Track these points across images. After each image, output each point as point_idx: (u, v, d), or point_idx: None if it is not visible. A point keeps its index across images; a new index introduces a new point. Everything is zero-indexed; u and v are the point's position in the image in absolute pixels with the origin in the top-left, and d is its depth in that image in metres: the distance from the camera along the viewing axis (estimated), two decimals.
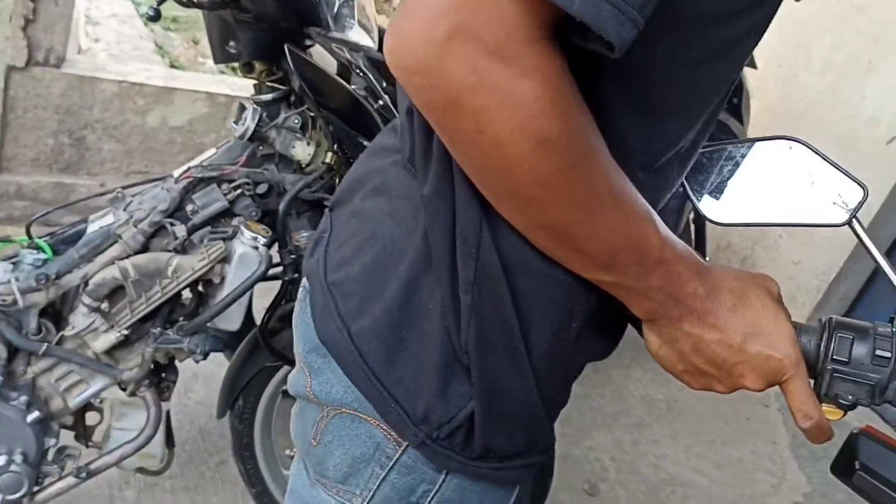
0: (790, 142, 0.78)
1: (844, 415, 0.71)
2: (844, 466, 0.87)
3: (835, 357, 0.69)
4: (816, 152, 0.77)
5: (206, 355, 1.49)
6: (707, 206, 0.81)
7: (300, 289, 0.83)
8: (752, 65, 2.55)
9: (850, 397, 0.69)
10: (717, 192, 0.81)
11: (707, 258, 2.97)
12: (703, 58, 0.65)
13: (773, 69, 3.07)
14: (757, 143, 0.80)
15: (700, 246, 2.75)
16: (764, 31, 0.70)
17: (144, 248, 1.41)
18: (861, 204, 0.75)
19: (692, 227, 2.73)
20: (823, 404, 0.71)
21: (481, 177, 0.62)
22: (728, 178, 0.80)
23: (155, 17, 1.13)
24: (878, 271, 2.80)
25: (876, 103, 2.73)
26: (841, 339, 0.70)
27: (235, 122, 1.47)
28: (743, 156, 0.80)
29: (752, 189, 0.79)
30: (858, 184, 0.75)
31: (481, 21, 0.52)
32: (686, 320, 0.69)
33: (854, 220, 0.75)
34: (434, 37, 0.53)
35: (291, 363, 1.61)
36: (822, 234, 2.89)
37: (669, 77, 0.66)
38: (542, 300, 0.70)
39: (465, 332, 0.69)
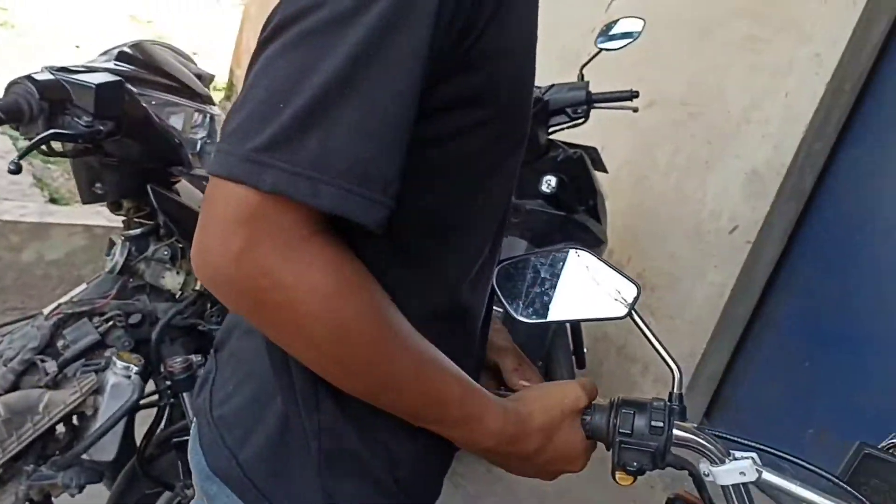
0: (576, 250, 0.92)
1: (634, 480, 0.83)
2: None
3: (620, 430, 0.81)
4: (598, 257, 0.91)
5: (81, 489, 1.49)
6: (517, 308, 0.93)
7: (192, 426, 0.91)
8: (603, 169, 2.79)
9: (635, 464, 0.81)
10: (524, 296, 0.93)
11: (585, 349, 3.14)
12: (475, 189, 0.78)
13: (625, 172, 3.35)
14: (552, 253, 0.94)
15: (577, 343, 2.91)
16: (511, 154, 0.80)
17: (15, 387, 1.43)
18: (636, 299, 0.89)
19: (568, 327, 2.89)
20: (617, 472, 0.83)
21: (293, 354, 0.70)
22: (532, 284, 0.93)
23: (16, 171, 1.20)
24: (738, 350, 3.00)
25: (716, 198, 3.02)
26: (624, 414, 0.82)
27: (108, 256, 1.54)
28: (542, 264, 0.93)
29: (551, 291, 0.93)
30: (633, 282, 0.89)
31: (263, 230, 0.62)
32: (491, 455, 0.81)
33: (633, 311, 0.89)
34: (228, 250, 0.62)
35: (171, 488, 1.63)
36: (685, 320, 3.11)
37: (453, 214, 0.77)
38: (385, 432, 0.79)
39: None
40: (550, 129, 2.66)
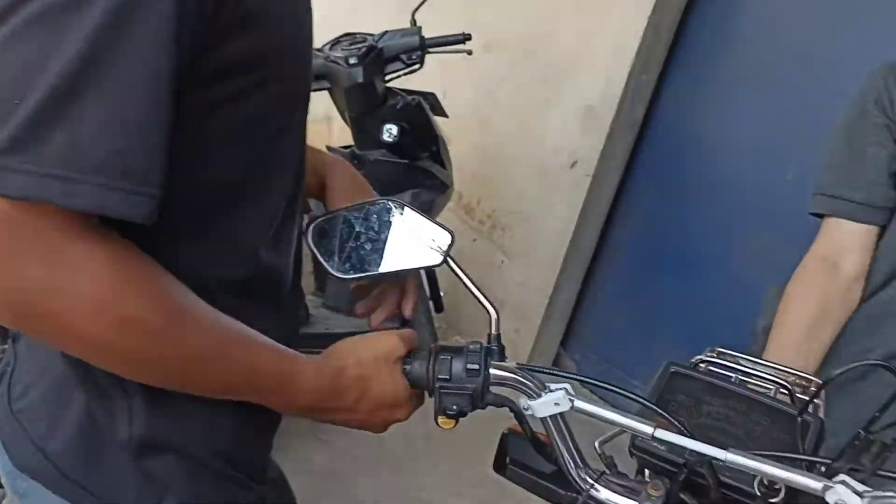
0: (390, 202, 0.92)
1: (456, 423, 0.85)
2: (499, 463, 1.02)
3: (439, 376, 0.83)
4: (411, 208, 0.92)
5: None
6: (334, 265, 0.92)
7: None
8: (443, 114, 2.80)
9: (455, 407, 0.83)
10: (340, 252, 0.93)
11: (442, 293, 3.19)
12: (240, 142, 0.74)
13: (469, 114, 3.39)
14: (366, 207, 0.93)
15: (433, 288, 2.95)
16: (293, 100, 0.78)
17: None
18: (451, 245, 0.90)
19: (424, 277, 2.92)
20: (439, 417, 0.85)
21: (80, 357, 0.67)
22: (347, 239, 0.93)
23: None
24: (588, 280, 3.13)
25: (556, 135, 3.10)
26: (442, 360, 0.84)
27: None
28: (356, 218, 0.93)
29: (367, 245, 0.92)
30: (446, 230, 0.90)
31: (22, 239, 0.57)
32: (313, 413, 0.81)
33: (448, 258, 0.90)
34: None
35: None
36: (537, 255, 3.21)
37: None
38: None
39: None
40: (387, 77, 2.64)
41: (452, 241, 0.90)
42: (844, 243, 1.36)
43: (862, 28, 2.40)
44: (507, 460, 1.00)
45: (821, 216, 1.40)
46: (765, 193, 2.70)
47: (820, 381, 0.91)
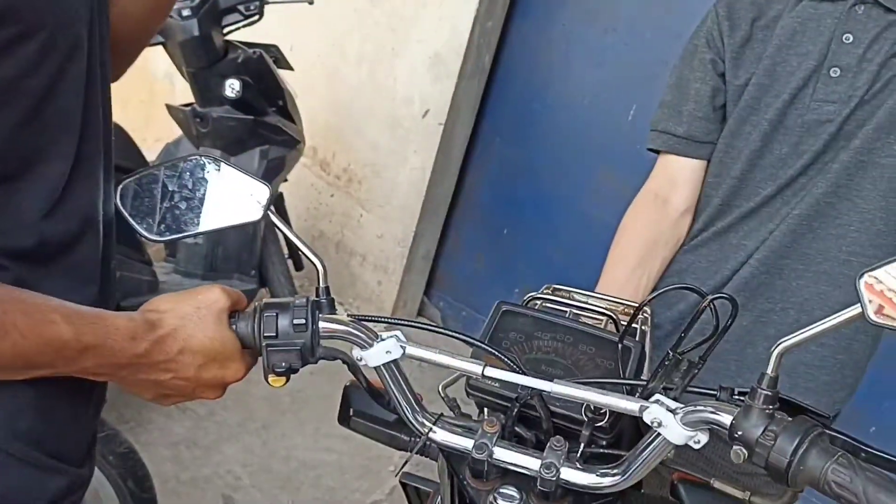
0: (204, 157, 0.88)
1: (287, 380, 0.84)
2: (343, 416, 1.01)
3: (266, 335, 0.81)
4: (226, 162, 0.88)
5: None
6: (149, 227, 0.88)
7: None
8: (288, 67, 2.72)
9: (283, 364, 0.82)
10: (153, 213, 0.88)
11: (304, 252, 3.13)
12: None
13: (318, 67, 3.30)
14: (179, 163, 0.89)
15: (291, 246, 2.90)
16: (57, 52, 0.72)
17: None
18: (271, 199, 0.87)
19: (282, 236, 2.86)
20: (269, 376, 0.83)
21: None
22: (162, 199, 0.88)
23: None
24: (446, 227, 3.16)
25: (406, 84, 3.08)
26: (267, 317, 0.81)
27: None
28: (169, 177, 0.88)
29: (184, 204, 0.88)
30: (264, 183, 0.87)
31: None
32: (140, 372, 0.76)
33: (269, 212, 0.88)
34: None
35: None
36: (394, 206, 3.20)
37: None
38: None
39: None
40: (226, 30, 2.53)
41: (271, 195, 0.87)
42: (673, 178, 1.42)
43: None
44: (351, 412, 1.00)
45: (656, 152, 1.45)
46: (608, 133, 2.79)
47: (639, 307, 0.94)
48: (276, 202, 2.85)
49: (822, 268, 1.28)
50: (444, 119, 2.98)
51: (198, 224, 0.88)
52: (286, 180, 2.81)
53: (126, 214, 0.86)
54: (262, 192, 0.87)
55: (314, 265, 0.87)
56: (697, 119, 1.38)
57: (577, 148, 2.90)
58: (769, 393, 0.71)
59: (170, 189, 0.87)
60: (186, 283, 2.66)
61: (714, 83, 1.37)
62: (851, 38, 1.25)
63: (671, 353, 0.80)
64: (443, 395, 0.97)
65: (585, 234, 2.82)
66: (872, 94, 1.23)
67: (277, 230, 2.90)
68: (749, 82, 1.33)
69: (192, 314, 0.79)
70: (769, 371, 0.72)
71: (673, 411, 0.76)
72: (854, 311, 0.66)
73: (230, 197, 0.87)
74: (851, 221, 1.26)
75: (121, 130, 2.41)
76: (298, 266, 2.98)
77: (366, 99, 3.21)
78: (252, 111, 2.58)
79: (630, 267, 1.37)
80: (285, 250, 2.89)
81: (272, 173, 2.67)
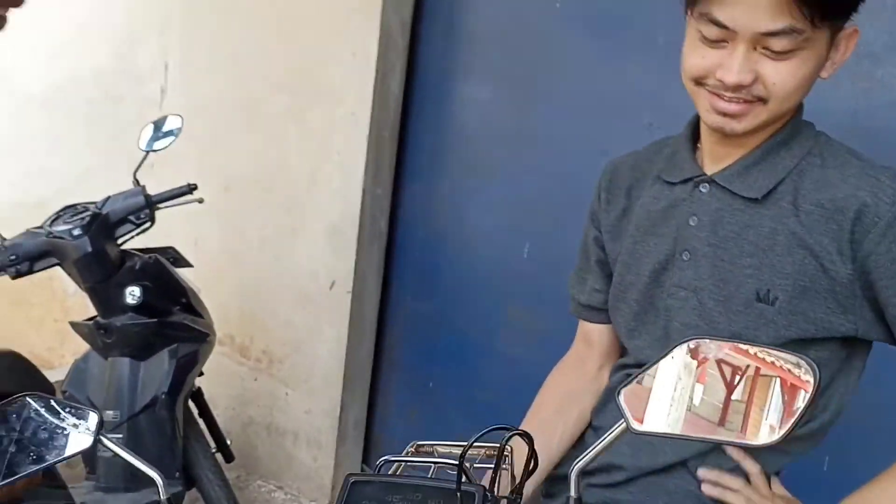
0: (29, 398, 0.91)
1: None
2: None
3: None
4: (52, 399, 0.91)
5: None
6: None
7: None
8: (187, 264, 2.79)
9: None
10: None
11: (229, 441, 3.08)
12: None
13: (223, 256, 3.39)
14: (5, 409, 0.91)
15: (217, 438, 2.87)
16: None
17: None
18: (100, 423, 0.90)
19: (202, 424, 2.85)
20: None
21: None
22: None
23: None
24: (373, 392, 3.14)
25: (309, 260, 3.17)
26: None
27: None
28: None
29: (13, 448, 0.90)
30: (91, 410, 0.90)
31: None
32: None
33: (100, 437, 0.90)
34: None
35: None
36: (318, 380, 3.20)
37: None
38: None
39: None
40: (119, 241, 2.60)
41: (101, 419, 0.89)
42: (587, 338, 1.48)
43: (559, 110, 2.67)
44: None
45: None
46: (508, 272, 2.89)
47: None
48: (195, 397, 2.84)
49: None
50: (351, 287, 3.06)
51: (30, 463, 0.90)
52: (202, 374, 2.81)
53: None
54: (91, 418, 0.89)
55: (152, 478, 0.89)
56: (595, 291, 1.43)
57: (483, 291, 2.98)
58: None
59: None
60: (110, 498, 2.58)
61: (601, 257, 1.41)
62: (696, 221, 1.22)
63: (488, 494, 0.83)
64: None
65: (506, 372, 2.86)
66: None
67: (199, 426, 2.88)
68: (618, 259, 1.34)
69: None
70: (572, 493, 0.75)
71: None
72: (620, 426, 0.71)
73: (58, 430, 0.90)
74: None
75: (18, 357, 2.41)
76: (228, 458, 2.93)
77: (273, 280, 3.28)
78: (156, 314, 2.61)
79: (548, 413, 1.42)
80: (212, 444, 2.85)
81: (184, 370, 2.67)
